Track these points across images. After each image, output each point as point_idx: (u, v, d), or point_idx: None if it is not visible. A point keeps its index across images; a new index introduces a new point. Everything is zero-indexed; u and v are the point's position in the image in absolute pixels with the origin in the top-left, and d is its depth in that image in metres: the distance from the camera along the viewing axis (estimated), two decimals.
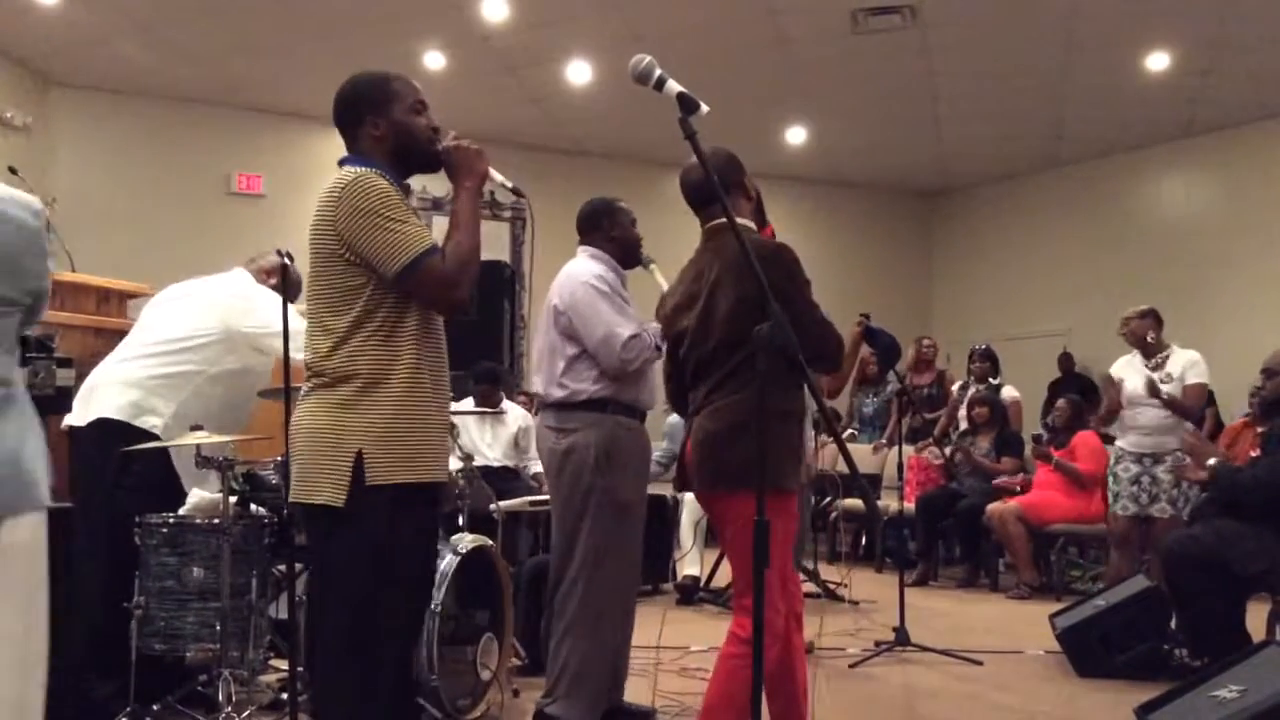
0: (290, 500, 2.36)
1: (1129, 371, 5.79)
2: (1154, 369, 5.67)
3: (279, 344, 3.45)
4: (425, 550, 2.57)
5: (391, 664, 2.35)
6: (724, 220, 2.65)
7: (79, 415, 3.48)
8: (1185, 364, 5.70)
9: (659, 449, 6.09)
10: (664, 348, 3.30)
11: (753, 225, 2.95)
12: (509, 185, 2.57)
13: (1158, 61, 8.48)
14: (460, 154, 2.41)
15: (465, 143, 2.43)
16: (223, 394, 3.60)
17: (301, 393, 2.39)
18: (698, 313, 2.87)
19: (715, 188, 2.41)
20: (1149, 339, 5.75)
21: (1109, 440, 6.41)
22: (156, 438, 3.44)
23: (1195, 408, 5.75)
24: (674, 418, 6.98)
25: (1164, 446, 5.63)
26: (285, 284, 3.06)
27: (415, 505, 2.35)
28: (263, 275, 3.76)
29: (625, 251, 3.60)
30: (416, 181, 2.63)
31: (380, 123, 2.39)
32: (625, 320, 3.37)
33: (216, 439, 3.35)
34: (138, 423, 3.44)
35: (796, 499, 2.91)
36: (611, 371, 3.38)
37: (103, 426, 3.43)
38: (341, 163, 2.42)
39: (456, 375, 4.77)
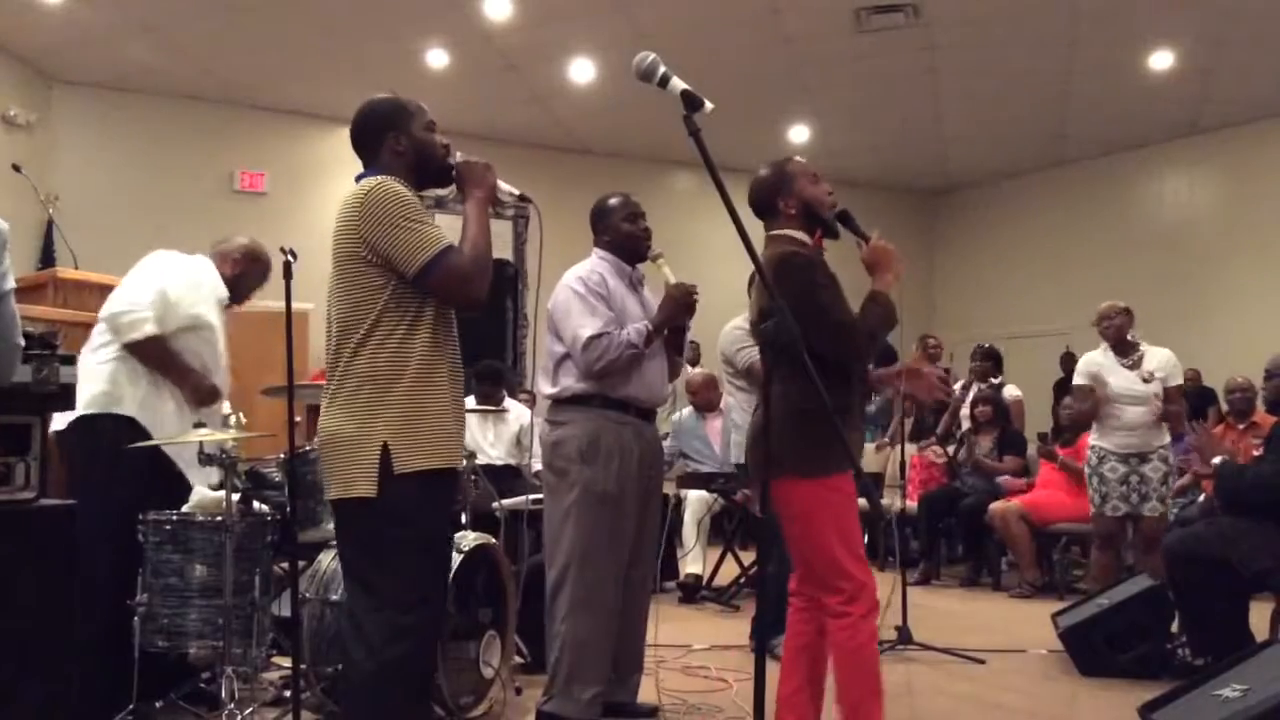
0: (326, 499, 2.46)
1: (1109, 370, 5.67)
2: (1131, 367, 5.63)
3: (116, 317, 3.46)
4: (448, 536, 2.73)
5: (428, 651, 2.47)
6: (774, 232, 2.98)
7: (60, 419, 3.44)
8: (1165, 364, 5.64)
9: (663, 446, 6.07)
10: (641, 345, 3.38)
11: (801, 235, 2.99)
12: (516, 193, 2.72)
13: (1161, 60, 8.48)
14: (470, 169, 2.60)
15: (474, 159, 2.62)
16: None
17: (325, 397, 2.48)
18: (754, 320, 3.13)
19: (725, 196, 2.39)
20: (1129, 336, 5.71)
21: None
22: (135, 420, 3.46)
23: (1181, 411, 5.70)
24: (676, 416, 7.00)
25: (1149, 445, 5.59)
26: (289, 281, 3.06)
27: (439, 491, 2.49)
28: (222, 260, 3.77)
29: (622, 248, 3.62)
30: None
31: (402, 139, 2.56)
32: (591, 321, 3.39)
33: (219, 437, 3.36)
34: (113, 410, 3.46)
35: (848, 479, 2.87)
36: (583, 372, 3.42)
37: (82, 424, 3.45)
38: (359, 178, 2.54)
39: None
